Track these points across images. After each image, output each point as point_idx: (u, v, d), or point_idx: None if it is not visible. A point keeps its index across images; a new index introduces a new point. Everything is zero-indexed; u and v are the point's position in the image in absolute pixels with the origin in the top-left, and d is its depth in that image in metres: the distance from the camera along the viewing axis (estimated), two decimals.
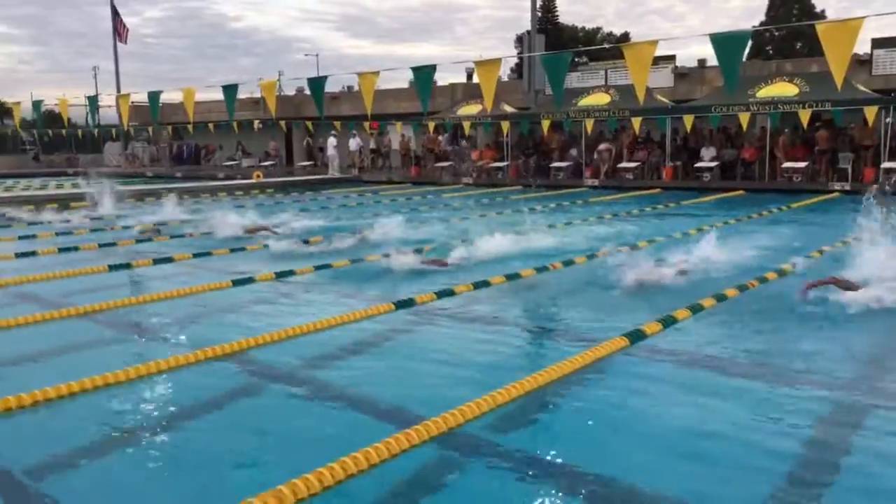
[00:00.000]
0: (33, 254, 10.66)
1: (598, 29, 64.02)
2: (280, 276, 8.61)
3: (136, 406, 4.63)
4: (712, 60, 28.43)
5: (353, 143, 30.35)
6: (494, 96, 12.80)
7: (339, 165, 29.34)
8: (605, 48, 35.07)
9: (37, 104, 22.59)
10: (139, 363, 5.22)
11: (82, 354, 5.93)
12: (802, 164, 20.46)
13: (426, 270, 8.76)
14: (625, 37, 60.97)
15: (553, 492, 3.47)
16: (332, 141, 29.77)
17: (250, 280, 8.40)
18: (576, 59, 30.22)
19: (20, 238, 12.52)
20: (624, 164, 23.47)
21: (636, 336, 5.76)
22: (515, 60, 47.42)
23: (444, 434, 3.98)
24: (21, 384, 4.73)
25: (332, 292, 7.93)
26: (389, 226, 11.74)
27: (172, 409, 4.61)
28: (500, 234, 10.52)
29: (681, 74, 28.37)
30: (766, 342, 5.80)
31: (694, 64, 30.00)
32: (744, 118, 20.88)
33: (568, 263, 9.23)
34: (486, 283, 7.98)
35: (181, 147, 38.84)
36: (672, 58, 28.90)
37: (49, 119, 36.93)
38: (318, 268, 9.11)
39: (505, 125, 25.59)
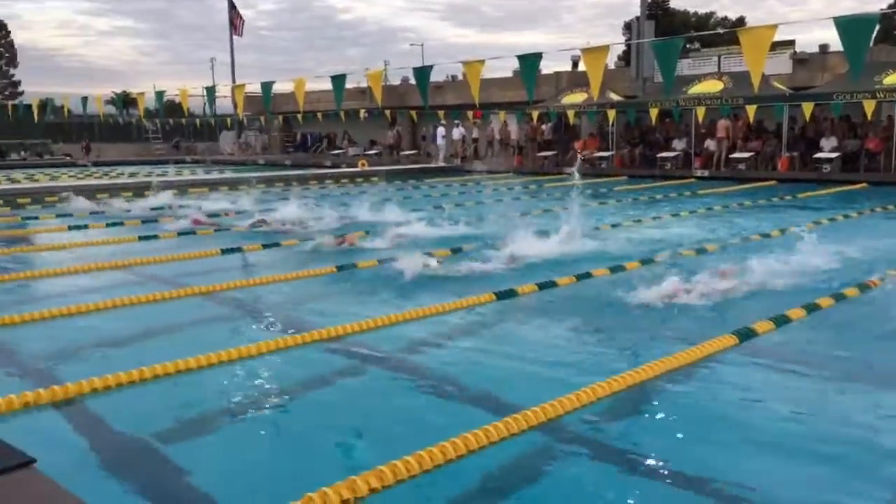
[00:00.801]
0: (154, 237, 11.28)
1: (712, 14, 61.56)
2: (381, 262, 8.76)
3: (247, 382, 4.84)
4: (835, 46, 26.82)
5: (457, 133, 30.51)
6: (601, 84, 12.54)
7: (445, 155, 29.60)
8: (719, 33, 33.70)
9: (159, 94, 23.79)
10: (249, 342, 5.44)
11: (197, 331, 6.25)
12: None
13: (524, 263, 8.65)
14: (740, 21, 58.36)
15: (649, 488, 3.40)
16: (440, 130, 30.04)
17: (353, 266, 8.60)
18: (687, 46, 29.18)
19: (143, 222, 13.27)
20: (737, 155, 22.54)
21: (746, 334, 5.54)
22: (623, 47, 46.29)
23: (543, 424, 3.96)
24: (145, 357, 5.04)
25: (434, 280, 7.99)
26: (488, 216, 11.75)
27: (280, 386, 4.79)
28: (603, 225, 10.34)
29: (800, 60, 26.91)
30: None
31: (815, 49, 28.39)
32: (869, 106, 19.63)
33: (674, 256, 8.97)
34: (588, 275, 7.87)
35: (304, 135, 39.84)
36: (791, 43, 27.44)
37: (170, 109, 38.85)
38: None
39: (611, 114, 25.07)
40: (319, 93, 34.36)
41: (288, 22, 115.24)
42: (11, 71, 64.42)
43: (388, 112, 33.86)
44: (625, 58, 45.14)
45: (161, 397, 4.60)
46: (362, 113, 33.41)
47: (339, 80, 16.40)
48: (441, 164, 28.53)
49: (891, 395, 4.62)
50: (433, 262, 8.10)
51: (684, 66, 26.47)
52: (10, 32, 64.36)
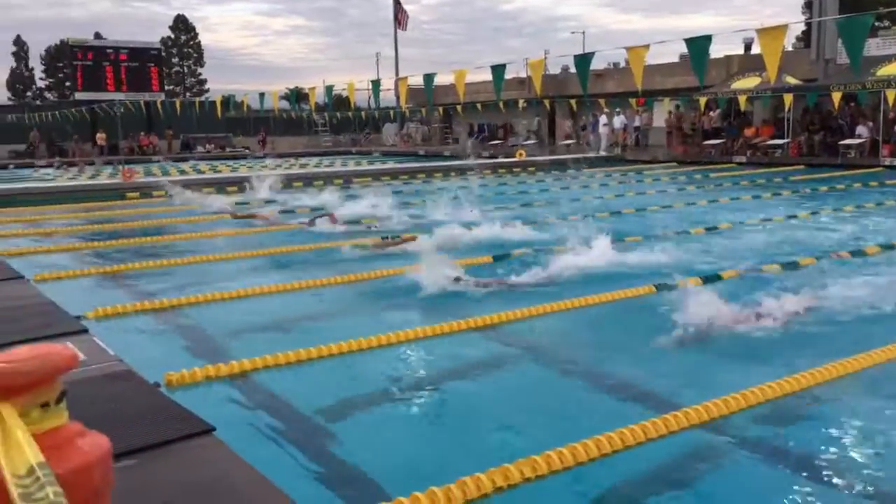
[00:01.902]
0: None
1: None
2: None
3: (406, 366, 4.97)
4: None
5: (618, 121, 29.75)
6: (777, 67, 11.72)
7: (605, 144, 29.00)
8: None
9: (328, 89, 24.95)
10: (408, 327, 5.58)
11: (357, 316, 6.49)
12: None
13: (687, 256, 8.28)
14: None
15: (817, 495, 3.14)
16: (602, 119, 29.46)
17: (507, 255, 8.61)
18: (876, 23, 26.72)
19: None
20: None
21: None
22: (802, 27, 43.09)
23: (705, 423, 3.77)
24: (309, 338, 5.31)
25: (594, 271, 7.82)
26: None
27: (437, 371, 4.87)
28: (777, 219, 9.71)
29: None
30: None
31: None
32: None
33: (857, 254, 8.25)
34: (757, 269, 7.42)
35: (481, 126, 40.25)
36: None
37: (337, 102, 40.70)
38: None
39: (787, 98, 23.40)
40: (479, 84, 34.65)
41: (450, 15, 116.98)
42: (199, 70, 70.06)
43: (546, 101, 33.56)
44: (804, 38, 42.13)
45: (326, 376, 4.81)
46: (521, 103, 33.35)
47: (499, 70, 16.44)
48: (602, 153, 27.93)
49: None
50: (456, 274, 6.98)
51: (872, 46, 24.21)
52: (197, 34, 70.04)
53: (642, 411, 3.96)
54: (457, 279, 6.72)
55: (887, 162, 20.33)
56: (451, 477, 3.14)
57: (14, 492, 0.95)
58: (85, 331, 4.91)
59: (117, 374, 3.95)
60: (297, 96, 33.05)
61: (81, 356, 4.14)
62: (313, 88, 25.40)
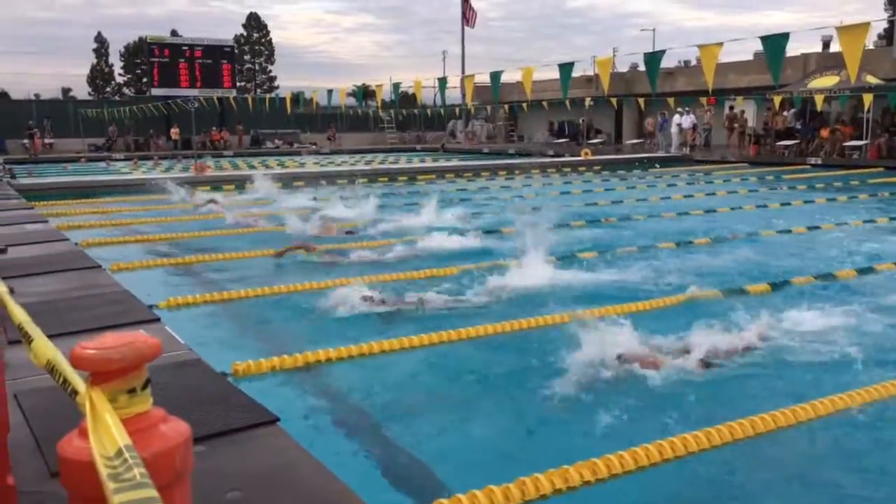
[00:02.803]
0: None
1: None
2: None
3: (468, 363, 5.00)
4: None
5: (687, 121, 29.11)
6: (858, 66, 11.32)
7: (677, 143, 28.45)
8: None
9: (395, 86, 25.23)
10: (470, 326, 5.60)
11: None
12: None
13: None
14: None
15: None
16: (675, 118, 28.91)
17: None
18: None
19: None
20: None
21: None
22: (885, 24, 41.39)
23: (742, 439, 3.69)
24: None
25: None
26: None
27: (497, 371, 4.88)
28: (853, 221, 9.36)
29: None
30: None
31: None
32: None
33: None
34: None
35: (561, 124, 39.85)
36: None
37: (404, 100, 41.08)
38: None
39: (867, 98, 22.51)
40: (545, 82, 34.39)
41: (518, 12, 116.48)
42: (269, 67, 71.55)
43: (613, 100, 33.09)
44: (886, 36, 40.46)
45: (385, 372, 4.87)
46: (588, 101, 32.98)
47: (566, 68, 16.33)
48: (673, 153, 27.39)
49: None
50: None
51: None
52: (269, 32, 71.52)
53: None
54: (367, 298, 6.29)
55: None
56: (510, 476, 3.15)
57: (104, 472, 1.01)
58: (157, 320, 5.09)
59: (187, 363, 4.09)
60: (364, 93, 33.48)
61: None
62: (380, 86, 25.71)
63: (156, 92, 39.07)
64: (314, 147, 39.36)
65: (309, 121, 43.13)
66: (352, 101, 43.36)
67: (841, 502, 3.28)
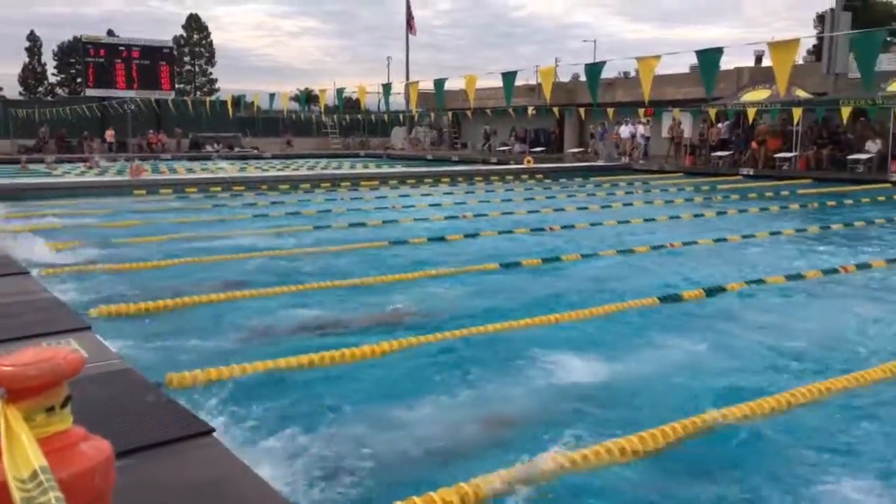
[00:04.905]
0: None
1: None
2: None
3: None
4: None
5: (625, 131, 29.74)
6: (787, 81, 11.73)
7: (615, 153, 29.04)
8: None
9: (339, 92, 25.06)
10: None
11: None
12: None
13: None
14: None
15: None
16: (623, 128, 29.50)
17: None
18: (888, 39, 26.70)
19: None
20: None
21: None
22: (813, 41, 43.02)
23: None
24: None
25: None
26: None
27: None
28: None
29: None
30: None
31: None
32: None
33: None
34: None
35: (527, 131, 39.67)
36: None
37: (347, 105, 40.87)
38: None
39: (797, 112, 23.36)
40: (489, 90, 34.67)
41: (462, 20, 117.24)
42: (210, 69, 70.30)
43: (555, 109, 33.56)
44: (815, 52, 42.11)
45: (329, 382, 4.80)
46: (530, 110, 33.37)
47: (509, 76, 16.47)
48: (610, 162, 27.90)
49: None
50: None
51: (884, 61, 24.17)
52: (210, 34, 70.29)
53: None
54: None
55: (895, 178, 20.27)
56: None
57: (16, 495, 0.97)
58: (87, 328, 4.93)
59: (118, 373, 3.97)
60: (307, 98, 33.18)
61: (84, 354, 4.16)
62: (324, 90, 25.53)
63: (90, 93, 38.02)
64: (256, 151, 38.81)
65: (251, 124, 42.54)
66: (295, 105, 42.97)
67: None
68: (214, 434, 3.23)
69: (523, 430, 4.08)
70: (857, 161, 21.99)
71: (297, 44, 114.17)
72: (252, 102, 31.87)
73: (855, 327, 6.04)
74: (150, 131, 38.41)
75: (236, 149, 39.38)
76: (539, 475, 3.31)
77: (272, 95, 28.05)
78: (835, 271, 8.11)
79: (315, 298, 6.92)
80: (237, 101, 32.20)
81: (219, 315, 6.31)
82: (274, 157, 37.14)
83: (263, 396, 4.49)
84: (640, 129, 29.69)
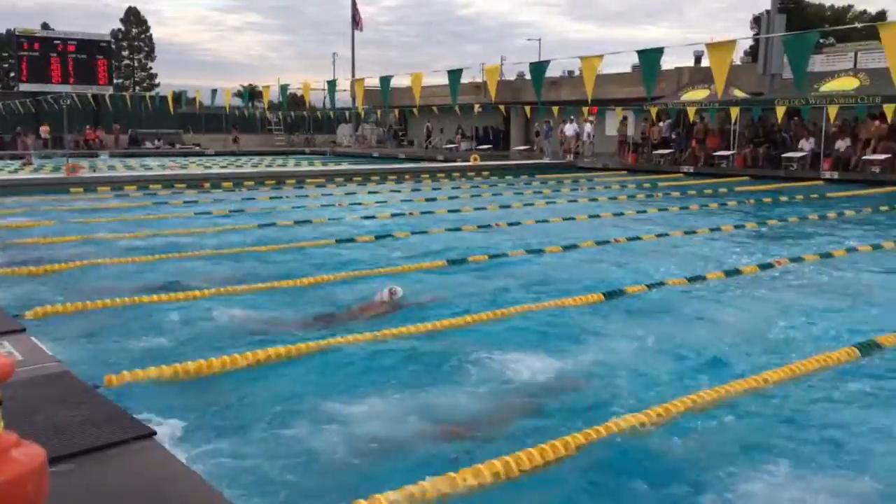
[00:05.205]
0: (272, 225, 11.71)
1: (850, 7, 57.90)
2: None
3: None
4: None
5: (570, 129, 30.11)
6: (725, 81, 12.02)
7: (559, 151, 29.39)
8: (857, 28, 31.61)
9: (283, 88, 24.73)
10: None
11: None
12: None
13: None
14: (881, 15, 54.61)
15: None
16: (569, 126, 29.83)
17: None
18: (821, 41, 27.61)
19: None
20: (869, 157, 21.13)
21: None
22: (750, 42, 44.22)
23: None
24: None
25: None
26: None
27: None
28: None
29: None
30: None
31: None
32: None
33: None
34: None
35: (477, 129, 39.44)
36: None
37: (292, 102, 40.39)
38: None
39: (734, 111, 24.00)
40: (436, 87, 34.69)
41: (409, 17, 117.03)
42: (149, 64, 68.64)
43: (501, 107, 33.78)
44: (751, 53, 43.26)
45: (270, 381, 4.74)
46: (476, 108, 33.50)
47: (455, 74, 16.50)
48: (558, 160, 28.21)
49: None
50: None
51: (817, 62, 25.04)
52: (149, 28, 68.61)
53: None
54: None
55: (827, 175, 21.00)
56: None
57: None
58: (22, 330, 4.77)
59: (54, 375, 3.86)
60: (250, 94, 32.67)
61: (18, 356, 4.04)
62: (268, 87, 25.15)
63: (24, 87, 36.77)
64: (198, 148, 38.06)
65: (193, 121, 41.69)
66: (238, 101, 42.24)
67: None
68: (155, 437, 3.16)
69: (468, 428, 4.11)
70: (792, 159, 22.70)
71: (240, 39, 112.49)
72: (194, 98, 31.26)
73: (789, 320, 6.23)
74: (88, 127, 37.31)
75: (177, 145, 38.55)
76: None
77: (214, 91, 27.53)
78: (770, 266, 8.37)
79: (258, 298, 6.84)
80: (178, 96, 31.57)
81: (159, 315, 6.18)
82: (217, 153, 36.50)
83: (203, 396, 4.42)
84: (588, 127, 30.10)
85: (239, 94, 33.16)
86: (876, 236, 10.78)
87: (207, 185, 18.61)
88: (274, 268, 8.22)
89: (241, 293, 6.95)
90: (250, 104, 41.19)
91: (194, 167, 25.54)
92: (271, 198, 16.21)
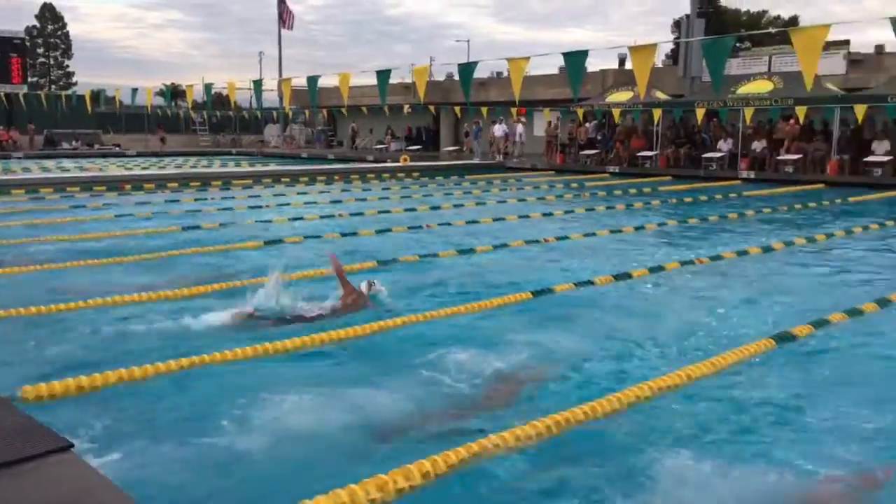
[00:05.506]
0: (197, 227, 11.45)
1: (764, 12, 60.28)
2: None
3: None
4: (891, 46, 26.07)
5: (499, 129, 30.41)
6: (647, 83, 12.37)
7: (487, 151, 29.63)
8: (771, 33, 32.96)
9: (207, 87, 24.21)
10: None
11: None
12: None
13: None
14: (793, 21, 57.06)
15: None
16: (498, 128, 30.06)
17: None
18: (737, 45, 28.63)
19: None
20: (784, 157, 22.05)
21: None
22: (671, 46, 45.55)
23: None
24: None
25: None
26: None
27: None
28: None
29: (854, 61, 26.19)
30: None
31: (870, 50, 27.59)
32: None
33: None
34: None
35: (419, 129, 38.91)
36: (846, 43, 26.69)
37: (217, 101, 39.57)
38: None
39: (656, 113, 24.69)
40: (364, 87, 34.53)
41: (336, 16, 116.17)
42: (66, 62, 66.16)
43: (431, 108, 33.87)
44: (673, 56, 44.54)
45: (190, 389, 4.63)
46: (406, 108, 33.50)
47: (384, 74, 16.47)
48: (485, 160, 28.45)
49: None
50: None
51: (733, 66, 26.00)
52: (66, 24, 66.13)
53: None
54: None
55: (744, 175, 21.80)
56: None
57: None
58: None
59: None
60: (172, 93, 31.87)
61: None
62: (191, 86, 24.60)
63: None
64: (117, 148, 36.84)
65: (112, 121, 40.35)
66: (160, 100, 41.10)
67: None
68: (73, 449, 3.05)
69: (398, 429, 4.10)
70: (711, 159, 23.48)
71: (161, 36, 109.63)
72: (113, 97, 30.28)
73: (709, 314, 6.45)
74: (0, 127, 35.69)
75: (96, 146, 37.21)
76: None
77: (135, 90, 26.77)
78: (692, 262, 8.64)
79: (180, 303, 6.65)
80: (96, 95, 30.48)
81: (76, 323, 5.95)
82: (139, 154, 35.42)
83: (122, 406, 4.28)
84: (520, 127, 30.43)
85: (161, 93, 32.33)
86: (789, 234, 11.25)
87: (128, 186, 18.03)
88: (199, 271, 8.03)
89: (161, 298, 6.75)
90: (173, 104, 40.14)
91: (114, 168, 24.71)
92: (196, 199, 15.82)
